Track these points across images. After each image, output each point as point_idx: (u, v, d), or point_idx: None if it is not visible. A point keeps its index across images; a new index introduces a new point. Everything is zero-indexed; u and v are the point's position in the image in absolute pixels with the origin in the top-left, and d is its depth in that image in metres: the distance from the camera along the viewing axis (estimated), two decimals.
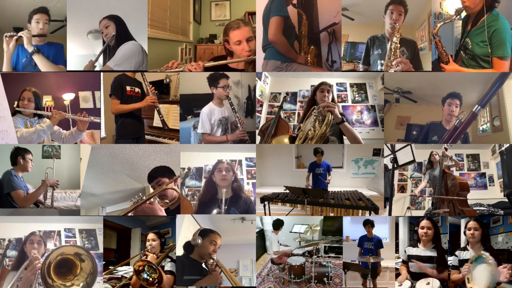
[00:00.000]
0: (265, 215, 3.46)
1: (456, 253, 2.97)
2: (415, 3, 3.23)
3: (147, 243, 3.01)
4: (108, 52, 3.29)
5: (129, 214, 2.71)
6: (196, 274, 2.74)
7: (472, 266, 2.73)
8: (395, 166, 3.30)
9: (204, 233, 2.78)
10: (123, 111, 3.34)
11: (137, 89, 3.40)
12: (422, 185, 3.53)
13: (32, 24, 3.26)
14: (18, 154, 3.20)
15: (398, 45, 3.15)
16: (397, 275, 3.10)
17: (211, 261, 2.71)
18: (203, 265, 2.75)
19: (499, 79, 3.12)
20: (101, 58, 3.28)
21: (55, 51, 3.29)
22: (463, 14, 3.17)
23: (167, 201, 2.90)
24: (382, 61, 3.24)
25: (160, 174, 3.02)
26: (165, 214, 2.85)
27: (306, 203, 3.25)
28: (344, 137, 3.19)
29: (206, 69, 3.18)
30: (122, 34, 3.27)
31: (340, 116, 3.04)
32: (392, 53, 3.15)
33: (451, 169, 3.35)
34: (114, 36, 3.24)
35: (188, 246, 2.78)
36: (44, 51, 3.27)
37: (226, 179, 3.03)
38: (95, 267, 2.83)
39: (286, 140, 3.28)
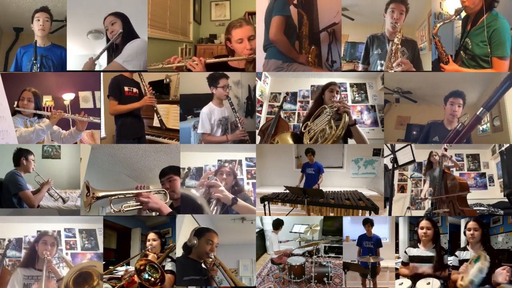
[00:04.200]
0: (265, 215, 3.46)
1: (456, 253, 2.98)
2: (415, 3, 3.23)
3: (148, 243, 3.01)
4: (113, 49, 3.29)
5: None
6: (196, 274, 2.73)
7: (471, 266, 2.74)
8: (395, 166, 3.30)
9: (199, 232, 2.77)
10: (121, 111, 3.33)
11: (135, 90, 3.39)
12: (425, 187, 3.50)
13: (33, 23, 3.27)
14: (21, 155, 3.20)
15: (399, 46, 3.14)
16: (397, 275, 3.10)
17: (210, 260, 2.71)
18: (203, 264, 2.75)
19: (507, 80, 3.04)
20: (102, 56, 3.27)
21: (60, 54, 3.29)
22: (463, 14, 3.17)
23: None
24: (382, 61, 3.24)
25: (173, 171, 3.08)
26: (169, 210, 2.87)
27: (306, 203, 3.25)
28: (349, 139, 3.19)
29: (207, 66, 3.18)
30: (129, 32, 3.26)
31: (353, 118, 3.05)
32: (393, 54, 3.15)
33: (451, 169, 3.35)
34: (120, 34, 3.23)
35: (186, 247, 2.78)
36: (49, 54, 3.29)
37: (226, 183, 3.05)
38: None
39: (289, 138, 3.27)
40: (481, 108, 3.08)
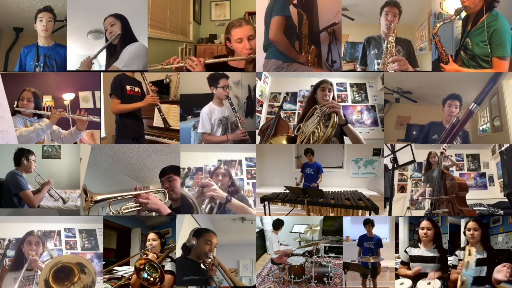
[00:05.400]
0: (265, 215, 3.46)
1: (456, 253, 2.98)
2: (415, 3, 3.23)
3: (148, 243, 3.00)
4: (111, 51, 3.30)
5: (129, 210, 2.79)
6: (195, 275, 2.74)
7: (464, 263, 2.75)
8: (395, 166, 3.30)
9: (198, 233, 2.78)
10: (123, 110, 3.34)
11: (137, 89, 3.40)
12: (421, 190, 3.52)
13: (36, 23, 3.28)
14: (22, 155, 3.20)
15: (394, 44, 3.16)
16: (397, 275, 3.09)
17: (209, 260, 2.72)
18: (202, 265, 2.75)
19: (493, 78, 3.14)
20: (100, 56, 3.27)
21: (64, 53, 3.29)
22: (463, 14, 3.17)
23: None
24: (379, 61, 3.25)
25: (173, 171, 3.09)
26: (168, 211, 2.88)
27: (306, 203, 3.25)
28: (345, 138, 3.19)
29: (206, 66, 3.18)
30: (127, 34, 3.27)
31: (344, 117, 3.03)
32: (389, 51, 3.17)
33: (450, 169, 3.35)
34: (119, 35, 3.24)
35: (185, 247, 2.79)
36: (53, 54, 3.29)
37: (222, 184, 3.05)
38: (94, 282, 2.86)
39: (284, 142, 3.28)
40: (473, 103, 3.20)
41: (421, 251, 3.04)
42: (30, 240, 3.04)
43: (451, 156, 3.46)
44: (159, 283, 2.70)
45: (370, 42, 3.31)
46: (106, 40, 3.28)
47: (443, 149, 3.19)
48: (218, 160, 3.52)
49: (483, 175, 3.67)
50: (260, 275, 3.58)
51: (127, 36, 3.27)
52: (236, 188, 3.19)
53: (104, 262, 3.24)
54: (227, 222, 3.19)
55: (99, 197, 2.71)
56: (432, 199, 3.25)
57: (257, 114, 3.65)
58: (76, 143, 3.29)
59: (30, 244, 3.03)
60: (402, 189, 3.72)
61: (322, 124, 3.03)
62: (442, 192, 3.18)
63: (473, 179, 3.65)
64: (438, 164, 3.24)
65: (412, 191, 3.69)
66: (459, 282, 2.70)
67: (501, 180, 3.52)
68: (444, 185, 3.18)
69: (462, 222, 3.14)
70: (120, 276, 3.11)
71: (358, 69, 3.41)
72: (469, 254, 2.70)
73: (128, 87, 3.34)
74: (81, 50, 3.30)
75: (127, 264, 3.27)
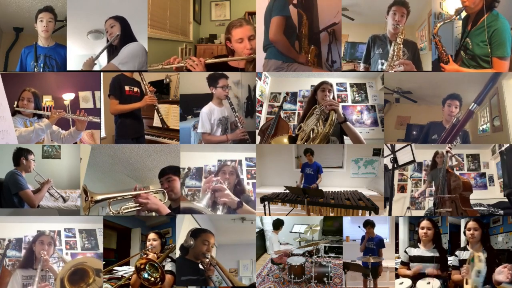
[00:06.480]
0: (265, 215, 3.46)
1: (456, 253, 2.98)
2: (415, 3, 3.23)
3: (148, 243, 3.00)
4: (111, 51, 3.30)
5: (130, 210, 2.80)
6: (193, 275, 2.74)
7: (470, 266, 2.74)
8: (395, 166, 3.30)
9: (195, 233, 2.79)
10: (122, 111, 3.34)
11: (136, 89, 3.40)
12: (422, 188, 3.52)
13: (37, 23, 3.28)
14: (21, 155, 3.20)
15: (401, 46, 3.16)
16: (397, 275, 3.09)
17: (206, 260, 2.72)
18: (200, 265, 2.75)
19: (492, 78, 3.14)
20: (102, 57, 3.28)
21: (64, 54, 3.29)
22: (463, 14, 3.17)
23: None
24: (383, 61, 3.25)
25: (172, 172, 3.09)
26: (168, 211, 2.87)
27: (306, 203, 3.25)
28: (345, 137, 3.19)
29: (207, 66, 3.18)
30: (127, 35, 3.28)
31: (343, 115, 3.05)
32: (395, 53, 3.16)
33: (454, 169, 3.34)
34: (118, 36, 3.25)
35: (182, 248, 2.79)
36: (53, 54, 3.30)
37: (229, 182, 3.05)
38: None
39: (285, 141, 3.28)
40: (473, 103, 3.20)
41: (421, 251, 3.04)
42: (43, 240, 3.06)
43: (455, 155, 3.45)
44: (159, 283, 2.70)
45: (375, 41, 3.30)
46: (107, 41, 3.29)
47: (449, 147, 3.18)
48: (218, 160, 3.52)
49: (483, 175, 3.67)
50: (260, 275, 3.58)
51: (127, 37, 3.27)
52: (242, 188, 3.18)
53: (104, 262, 3.23)
54: (227, 222, 3.19)
55: (99, 197, 2.71)
56: (435, 198, 3.25)
57: (257, 114, 3.66)
58: (76, 143, 3.30)
59: (43, 243, 3.04)
60: (402, 189, 3.72)
61: (321, 121, 3.05)
62: (446, 191, 3.18)
63: (473, 179, 3.65)
64: (444, 163, 3.24)
65: (412, 191, 3.69)
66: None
67: (501, 180, 3.51)
68: (449, 185, 3.18)
69: (462, 222, 3.14)
70: (120, 276, 3.11)
71: (361, 68, 3.40)
72: (479, 261, 2.69)
73: (126, 88, 3.34)
74: (81, 50, 3.30)
75: (127, 264, 3.27)
